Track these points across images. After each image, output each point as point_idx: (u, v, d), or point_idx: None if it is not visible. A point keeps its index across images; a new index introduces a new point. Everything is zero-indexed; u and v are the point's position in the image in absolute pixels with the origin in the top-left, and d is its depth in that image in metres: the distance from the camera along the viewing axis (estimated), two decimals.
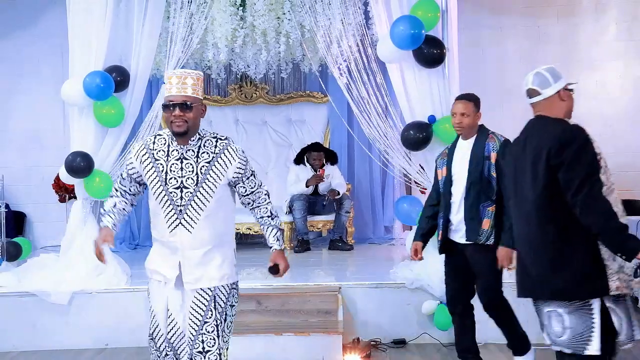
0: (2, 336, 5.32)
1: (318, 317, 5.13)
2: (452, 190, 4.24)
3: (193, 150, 3.23)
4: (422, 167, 5.70)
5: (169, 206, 3.22)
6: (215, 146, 3.25)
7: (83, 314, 5.34)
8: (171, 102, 3.17)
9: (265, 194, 3.38)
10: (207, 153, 3.24)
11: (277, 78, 8.02)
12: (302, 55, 7.20)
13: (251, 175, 3.32)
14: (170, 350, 3.28)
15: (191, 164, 3.21)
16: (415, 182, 5.83)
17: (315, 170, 7.29)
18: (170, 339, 3.28)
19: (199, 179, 3.20)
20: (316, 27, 6.00)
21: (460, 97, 4.31)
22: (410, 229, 6.09)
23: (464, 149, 4.23)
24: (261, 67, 7.13)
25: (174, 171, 3.21)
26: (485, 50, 8.05)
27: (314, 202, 7.31)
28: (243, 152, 3.31)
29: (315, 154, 7.35)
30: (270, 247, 3.39)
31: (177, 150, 3.24)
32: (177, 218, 3.21)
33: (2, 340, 5.31)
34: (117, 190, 3.42)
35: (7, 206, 6.37)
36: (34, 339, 5.34)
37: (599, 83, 7.98)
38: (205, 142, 3.26)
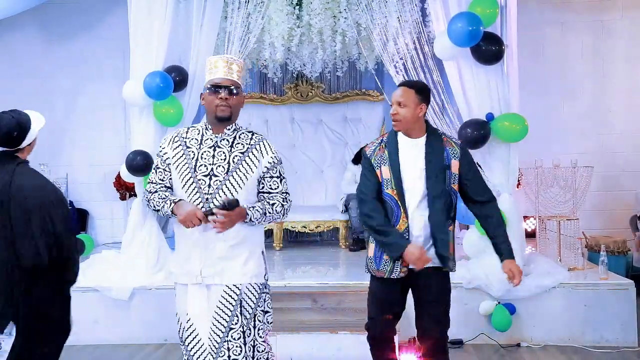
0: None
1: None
2: (407, 201, 3.42)
3: (227, 140, 3.16)
4: (479, 166, 5.61)
5: (195, 193, 3.09)
6: (251, 139, 3.20)
7: (143, 310, 5.45)
8: (218, 85, 3.11)
9: (280, 202, 3.16)
10: (242, 144, 3.16)
11: (332, 76, 8.03)
12: (357, 54, 7.18)
13: (278, 177, 3.18)
14: (187, 358, 3.13)
15: (224, 152, 3.13)
16: None
17: None
18: (187, 346, 3.14)
19: (230, 167, 3.10)
20: (372, 25, 5.98)
21: (402, 83, 3.56)
22: (467, 228, 6.00)
23: (413, 149, 3.45)
24: (317, 65, 7.13)
25: (204, 158, 3.12)
26: (546, 47, 7.87)
27: None
28: (277, 151, 3.24)
29: None
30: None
31: (210, 138, 3.17)
32: (202, 207, 3.06)
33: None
34: (150, 192, 3.21)
35: (71, 204, 6.54)
36: (96, 333, 5.47)
37: None
38: (241, 134, 3.20)
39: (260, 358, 3.14)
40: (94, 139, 8.23)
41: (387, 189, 3.43)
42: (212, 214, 2.97)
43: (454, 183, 3.44)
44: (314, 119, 8.16)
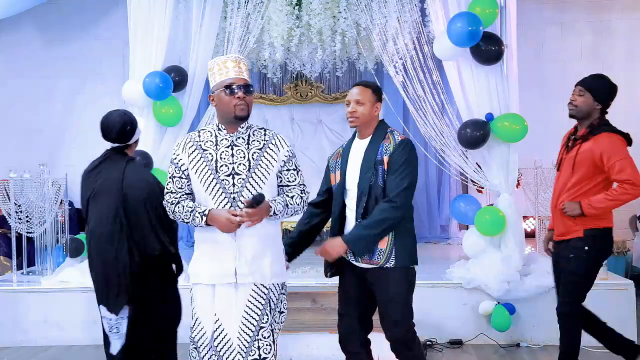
0: (66, 330, 5.49)
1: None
2: (347, 202, 3.50)
3: (243, 138, 3.15)
4: (479, 166, 5.62)
5: (221, 194, 3.07)
6: (265, 134, 3.20)
7: None
8: (235, 85, 3.09)
9: (299, 193, 3.20)
10: (258, 141, 3.16)
11: (332, 77, 8.04)
12: (357, 54, 7.19)
13: (295, 169, 3.22)
14: (217, 358, 3.10)
15: (242, 150, 3.12)
16: (472, 181, 5.75)
17: None
18: (217, 347, 3.08)
19: (251, 164, 3.10)
20: (372, 25, 5.98)
21: (357, 83, 3.60)
22: (467, 228, 6.01)
23: (359, 150, 3.52)
24: (317, 65, 7.14)
25: (224, 158, 3.10)
26: (546, 47, 7.88)
27: None
28: (291, 145, 3.28)
29: None
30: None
31: (226, 138, 3.14)
32: (230, 207, 3.05)
33: (66, 333, 5.49)
34: (172, 203, 3.17)
35: (70, 204, 6.55)
36: (96, 333, 5.43)
37: None
38: (254, 131, 3.20)
39: (266, 358, 3.12)
40: (93, 139, 8.17)
41: (336, 188, 3.57)
42: (260, 199, 3.02)
43: (381, 179, 3.42)
44: (313, 119, 8.17)
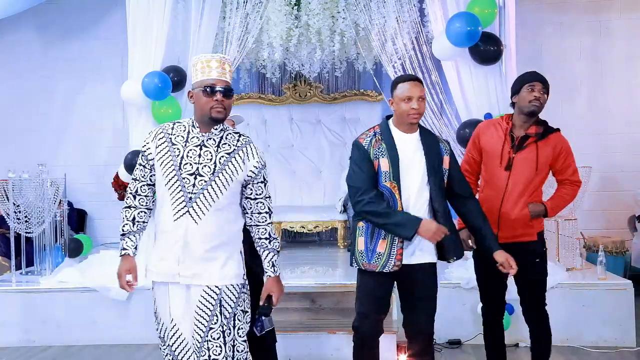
0: (65, 330, 5.48)
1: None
2: (403, 194, 3.41)
3: (214, 140, 3.08)
4: None
5: (179, 192, 3.01)
6: (238, 140, 3.12)
7: (141, 310, 5.44)
8: (215, 86, 3.03)
9: (266, 212, 3.15)
10: (229, 145, 3.09)
11: (331, 77, 8.03)
12: (356, 54, 7.19)
13: (262, 182, 3.15)
14: (172, 358, 3.11)
15: (210, 152, 3.05)
16: None
17: None
18: (172, 346, 3.09)
19: (217, 168, 3.03)
20: (371, 25, 5.98)
21: (413, 77, 3.54)
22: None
23: (409, 143, 3.47)
24: (315, 66, 7.14)
25: (190, 157, 3.03)
26: (545, 47, 7.88)
27: None
28: (262, 155, 3.18)
29: None
30: (265, 273, 3.16)
31: (197, 137, 3.08)
32: (185, 206, 2.99)
33: (65, 334, 5.48)
34: (135, 196, 3.17)
35: (69, 204, 6.55)
36: (95, 333, 5.48)
37: None
38: (228, 135, 3.12)
39: (239, 358, 3.09)
40: (92, 139, 8.24)
41: (385, 181, 3.40)
42: (269, 307, 3.11)
43: (445, 178, 3.49)
44: (312, 119, 8.16)
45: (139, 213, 3.16)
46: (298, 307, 5.25)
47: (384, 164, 3.41)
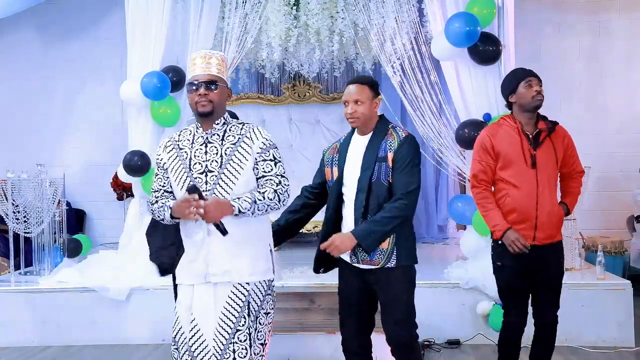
0: (65, 330, 5.48)
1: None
2: (345, 199, 3.41)
3: (218, 134, 3.10)
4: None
5: None
6: (241, 129, 3.13)
7: (141, 310, 5.45)
8: (196, 81, 3.06)
9: (273, 187, 3.04)
10: (233, 136, 3.10)
11: (330, 77, 8.03)
12: (355, 54, 7.19)
13: (271, 160, 3.09)
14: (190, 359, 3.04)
15: (215, 147, 3.07)
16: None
17: None
18: (191, 348, 3.03)
19: (223, 160, 3.03)
20: (370, 25, 5.98)
21: (353, 80, 3.44)
22: (465, 228, 6.01)
23: (359, 146, 3.43)
24: (314, 66, 7.14)
25: (198, 156, 3.06)
26: (544, 47, 7.88)
27: None
28: (270, 136, 3.15)
29: None
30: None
31: (201, 136, 3.11)
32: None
33: (64, 334, 5.48)
34: (157, 200, 3.15)
35: (68, 204, 6.54)
36: (94, 333, 5.48)
37: None
38: (231, 127, 3.14)
39: None
40: (91, 139, 8.24)
41: (333, 184, 3.48)
42: (195, 189, 2.90)
43: (390, 176, 3.32)
44: (311, 119, 8.16)
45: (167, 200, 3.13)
46: (297, 307, 5.26)
47: (334, 172, 3.48)
